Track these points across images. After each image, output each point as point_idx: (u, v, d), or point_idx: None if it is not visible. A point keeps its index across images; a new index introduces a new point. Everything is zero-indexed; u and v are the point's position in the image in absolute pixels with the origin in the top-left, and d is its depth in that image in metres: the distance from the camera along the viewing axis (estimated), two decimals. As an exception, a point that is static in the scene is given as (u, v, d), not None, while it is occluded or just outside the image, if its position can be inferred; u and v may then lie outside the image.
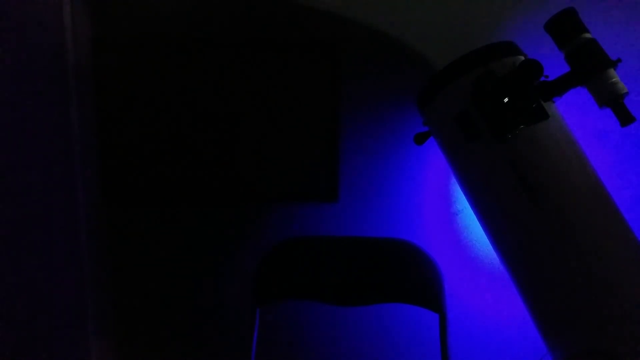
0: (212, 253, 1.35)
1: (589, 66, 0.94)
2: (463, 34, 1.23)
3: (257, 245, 1.31)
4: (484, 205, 1.04)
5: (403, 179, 1.30)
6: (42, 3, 1.12)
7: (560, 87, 0.96)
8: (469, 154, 1.01)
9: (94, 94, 1.27)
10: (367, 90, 1.27)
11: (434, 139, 1.11)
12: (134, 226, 1.34)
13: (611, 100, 0.93)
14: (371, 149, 1.29)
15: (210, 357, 1.39)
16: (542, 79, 0.95)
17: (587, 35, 0.96)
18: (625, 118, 0.94)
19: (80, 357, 1.27)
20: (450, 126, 1.01)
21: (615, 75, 0.93)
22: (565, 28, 0.97)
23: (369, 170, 1.30)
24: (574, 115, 1.21)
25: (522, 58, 1.00)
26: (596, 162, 1.00)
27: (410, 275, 1.20)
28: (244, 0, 1.24)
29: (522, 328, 1.33)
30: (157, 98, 1.28)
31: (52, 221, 1.15)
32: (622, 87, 0.93)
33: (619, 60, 0.94)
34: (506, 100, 0.94)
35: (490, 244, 1.07)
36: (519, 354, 1.35)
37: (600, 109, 0.96)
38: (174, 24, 1.25)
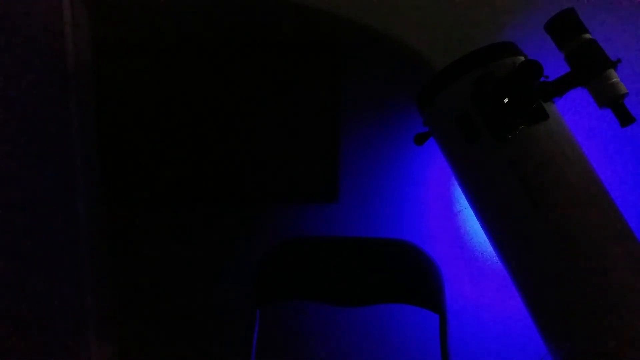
0: (212, 253, 1.35)
1: (589, 67, 0.94)
2: (463, 34, 1.23)
3: (257, 245, 1.32)
4: (484, 206, 1.04)
5: (403, 179, 1.30)
6: (42, 3, 1.12)
7: (560, 87, 0.96)
8: (469, 154, 1.01)
9: (94, 94, 1.27)
10: (368, 91, 1.28)
11: (434, 139, 1.11)
12: (133, 226, 1.34)
13: (611, 100, 0.93)
14: (371, 149, 1.29)
15: (210, 357, 1.39)
16: (542, 79, 0.95)
17: (587, 35, 0.96)
18: (625, 118, 0.94)
19: (81, 357, 1.27)
20: (450, 126, 1.01)
21: (615, 76, 0.93)
22: (565, 28, 0.97)
23: (370, 171, 1.30)
24: (574, 115, 1.21)
25: (522, 58, 1.00)
26: (596, 162, 1.00)
27: (410, 276, 1.20)
28: (245, 1, 1.24)
29: (522, 328, 1.33)
30: (157, 98, 1.28)
31: (53, 221, 1.15)
32: (622, 87, 0.92)
33: (619, 60, 0.94)
34: (506, 100, 0.94)
35: (490, 244, 1.07)
36: (519, 354, 1.35)
37: (600, 109, 0.96)
38: (174, 24, 1.25)
